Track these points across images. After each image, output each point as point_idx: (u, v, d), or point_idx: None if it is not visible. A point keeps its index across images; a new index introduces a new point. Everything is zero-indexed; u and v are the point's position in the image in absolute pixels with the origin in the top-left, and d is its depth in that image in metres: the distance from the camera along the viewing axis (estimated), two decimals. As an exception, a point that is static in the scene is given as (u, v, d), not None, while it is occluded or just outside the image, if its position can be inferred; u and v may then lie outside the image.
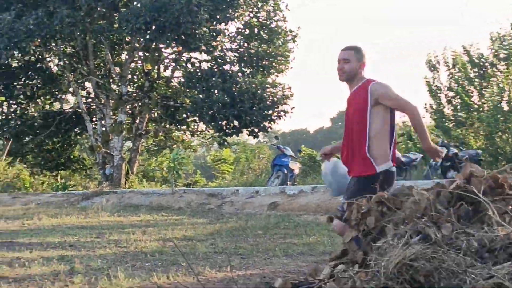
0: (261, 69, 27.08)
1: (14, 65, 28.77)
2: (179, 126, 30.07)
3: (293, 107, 27.36)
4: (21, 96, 29.85)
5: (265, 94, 25.35)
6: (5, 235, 11.03)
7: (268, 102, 25.57)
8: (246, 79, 25.76)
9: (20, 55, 26.70)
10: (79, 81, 28.84)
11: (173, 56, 28.38)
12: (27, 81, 29.68)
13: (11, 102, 29.21)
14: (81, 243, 10.00)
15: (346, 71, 6.16)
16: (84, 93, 30.46)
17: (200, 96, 25.32)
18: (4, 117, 28.21)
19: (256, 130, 25.82)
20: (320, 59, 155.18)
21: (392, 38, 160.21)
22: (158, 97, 26.88)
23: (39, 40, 25.05)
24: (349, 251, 5.19)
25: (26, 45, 24.37)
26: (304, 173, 26.54)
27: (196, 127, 30.32)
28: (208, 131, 30.10)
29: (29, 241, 10.26)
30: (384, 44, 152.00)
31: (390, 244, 4.55)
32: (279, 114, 26.27)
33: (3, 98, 23.98)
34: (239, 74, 26.76)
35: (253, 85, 25.09)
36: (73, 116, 30.73)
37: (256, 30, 27.20)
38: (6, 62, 26.51)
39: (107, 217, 14.08)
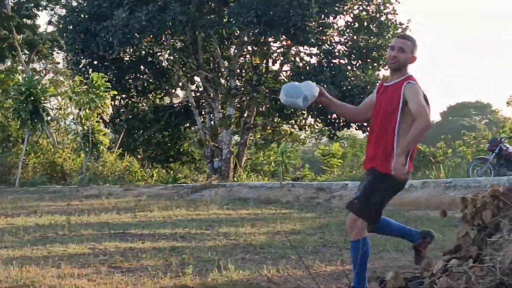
0: (371, 62, 26.80)
1: (126, 59, 29.38)
2: (287, 120, 30.09)
3: (403, 102, 27.04)
4: (133, 90, 30.46)
5: (374, 89, 25.16)
6: (117, 227, 11.24)
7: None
8: (356, 73, 25.57)
9: (132, 50, 27.27)
10: (189, 75, 29.20)
11: (282, 50, 28.39)
12: (138, 76, 30.28)
13: (123, 96, 29.82)
14: (192, 235, 10.09)
15: (399, 60, 5.84)
16: (193, 87, 30.87)
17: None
18: (116, 111, 28.82)
19: (365, 124, 25.58)
20: (429, 52, 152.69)
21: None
22: (267, 90, 26.94)
23: (151, 36, 25.52)
24: (462, 246, 5.05)
25: (139, 41, 24.88)
26: (414, 168, 26.11)
27: (304, 120, 30.28)
28: (317, 125, 30.01)
29: (141, 232, 10.42)
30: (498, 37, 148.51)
31: (506, 239, 4.41)
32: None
33: (115, 92, 24.46)
34: (348, 67, 26.58)
35: (363, 79, 24.89)
36: (183, 110, 31.16)
37: (365, 23, 26.96)
38: (118, 56, 27.12)
39: (216, 209, 14.16)
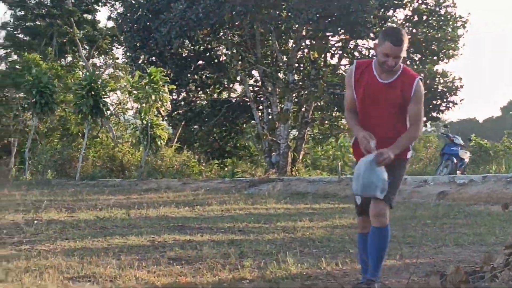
0: (430, 56, 26.52)
1: (184, 54, 29.57)
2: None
3: (463, 99, 26.82)
4: (191, 85, 30.64)
5: (434, 84, 24.87)
6: (176, 220, 11.32)
7: (437, 92, 25.10)
8: (415, 67, 25.33)
9: (190, 44, 27.42)
10: (247, 70, 29.24)
11: (340, 43, 28.25)
12: (196, 70, 30.43)
13: (181, 90, 30.01)
14: (250, 228, 10.11)
15: (394, 66, 5.64)
16: (251, 81, 30.91)
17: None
18: (174, 105, 29.04)
19: (424, 119, 25.34)
20: (490, 46, 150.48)
21: None
22: (325, 85, 26.82)
23: (208, 28, 25.63)
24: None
25: (195, 34, 25.02)
26: (474, 163, 25.84)
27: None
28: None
29: (199, 225, 10.48)
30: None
31: None
32: (448, 105, 25.74)
33: (174, 86, 24.65)
34: (408, 62, 26.35)
35: (422, 74, 24.65)
36: (240, 105, 31.25)
37: (424, 16, 26.67)
38: (177, 52, 27.32)
39: (274, 204, 14.16)
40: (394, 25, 26.32)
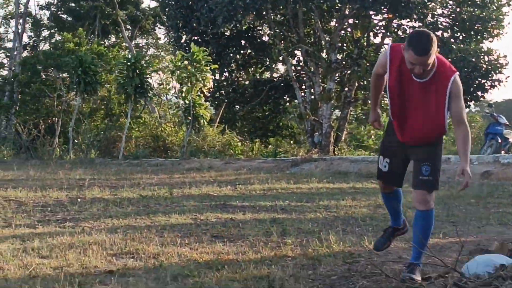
0: (474, 35, 26.16)
1: (226, 34, 29.54)
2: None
3: (508, 76, 26.41)
4: (233, 65, 30.62)
5: (479, 62, 24.56)
6: (218, 198, 11.35)
7: (482, 71, 24.77)
8: (460, 45, 25.03)
9: (232, 25, 27.40)
10: (289, 49, 29.14)
11: (383, 23, 28.00)
12: (239, 50, 30.41)
13: (223, 70, 30.00)
14: (292, 207, 10.10)
15: (427, 71, 5.32)
16: (293, 61, 30.81)
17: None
18: (216, 85, 29.08)
19: (468, 98, 25.05)
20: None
21: None
22: (368, 64, 26.61)
23: (253, 13, 25.60)
24: None
25: (243, 17, 25.01)
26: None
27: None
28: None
29: (242, 204, 10.49)
30: None
31: None
32: (493, 84, 25.39)
33: (216, 66, 24.63)
34: (451, 40, 26.04)
35: (468, 53, 24.38)
36: (283, 85, 31.17)
37: (468, -5, 26.32)
38: (219, 31, 27.30)
39: (316, 183, 14.12)
40: (438, 5, 26.06)
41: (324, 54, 28.68)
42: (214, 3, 24.62)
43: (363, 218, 8.83)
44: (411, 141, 5.66)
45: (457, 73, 5.43)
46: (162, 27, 40.35)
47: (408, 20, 26.48)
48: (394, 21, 27.32)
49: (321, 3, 26.68)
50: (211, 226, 8.18)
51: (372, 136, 28.41)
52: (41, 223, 8.44)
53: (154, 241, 7.01)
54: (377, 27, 28.35)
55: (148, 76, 25.10)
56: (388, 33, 28.24)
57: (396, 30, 27.97)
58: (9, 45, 44.41)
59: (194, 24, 26.49)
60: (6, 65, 42.70)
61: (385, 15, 26.91)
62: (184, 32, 28.01)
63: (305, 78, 29.20)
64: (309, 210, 9.76)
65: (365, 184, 14.08)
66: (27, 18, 41.13)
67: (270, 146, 30.69)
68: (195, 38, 27.95)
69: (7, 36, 45.34)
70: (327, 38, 27.99)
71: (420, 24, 26.49)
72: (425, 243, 5.61)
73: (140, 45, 44.93)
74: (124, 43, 40.25)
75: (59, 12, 42.71)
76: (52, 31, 42.95)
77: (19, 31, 38.72)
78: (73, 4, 41.05)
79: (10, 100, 33.39)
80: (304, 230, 7.87)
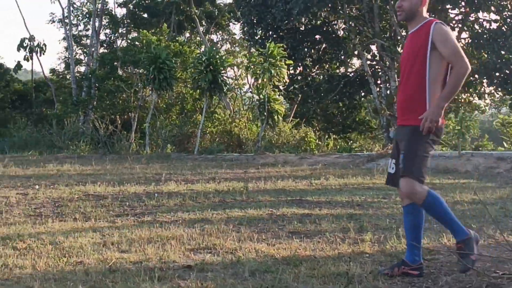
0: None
1: (301, 29, 29.51)
2: (465, 88, 29.27)
3: None
4: (308, 60, 30.57)
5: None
6: (294, 194, 11.33)
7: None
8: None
9: (307, 19, 27.36)
10: (364, 44, 28.95)
11: (460, 16, 27.57)
12: (313, 45, 30.34)
13: (297, 65, 29.96)
14: (368, 203, 10.02)
15: (405, 9, 5.42)
16: (369, 56, 30.61)
17: (489, 57, 24.42)
18: (290, 80, 29.06)
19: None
20: None
21: None
22: (444, 59, 26.23)
23: (329, 5, 25.49)
24: None
25: (318, 10, 24.94)
26: None
27: (483, 89, 29.36)
28: (497, 94, 29.04)
29: (318, 199, 10.44)
30: None
31: None
32: None
33: (291, 62, 24.62)
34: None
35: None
36: (358, 79, 31.00)
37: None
38: (294, 26, 27.29)
39: (392, 178, 13.98)
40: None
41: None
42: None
43: (441, 215, 8.69)
44: (399, 115, 5.54)
45: (440, 22, 5.35)
46: (236, 22, 40.53)
47: (485, 13, 26.04)
48: (472, 14, 26.86)
49: (398, -3, 26.44)
50: (287, 222, 8.16)
51: (450, 132, 28.03)
52: (120, 217, 8.55)
53: (231, 236, 7.02)
54: (454, 21, 27.92)
55: (222, 71, 25.19)
56: (465, 27, 27.78)
57: (473, 23, 27.50)
58: (87, 42, 45.23)
59: (269, 20, 26.54)
60: (84, 61, 43.47)
61: (462, 9, 26.48)
62: (258, 28, 28.08)
63: (380, 73, 28.98)
64: (386, 206, 9.67)
65: (442, 180, 13.89)
66: (104, 16, 41.77)
67: (345, 141, 30.56)
68: (270, 33, 28.01)
69: (85, 33, 46.14)
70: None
71: (498, 17, 26.04)
72: (417, 240, 5.45)
73: (215, 40, 45.21)
74: (198, 39, 40.55)
75: (135, 10, 43.28)
76: (129, 28, 43.55)
77: (97, 28, 39.34)
78: (149, 1, 41.53)
79: (87, 95, 33.98)
80: (381, 226, 7.79)
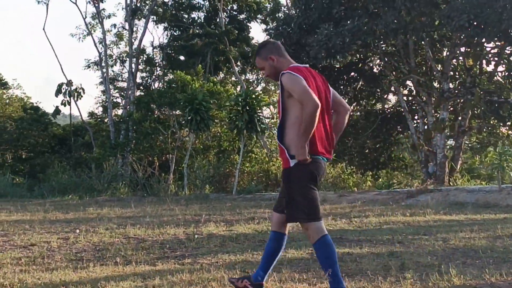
0: None
1: (336, 67, 29.60)
2: (504, 122, 29.06)
3: None
4: (344, 97, 30.62)
5: None
6: (334, 232, 11.27)
7: None
8: None
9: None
10: (400, 80, 28.94)
11: (496, 50, 27.48)
12: (349, 82, 30.41)
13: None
14: (409, 240, 9.94)
15: (270, 76, 6.07)
16: (405, 91, 30.58)
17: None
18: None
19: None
20: None
21: None
22: (481, 92, 26.14)
23: (354, 50, 25.61)
24: None
25: (343, 55, 25.05)
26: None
27: (522, 123, 29.16)
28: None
29: (358, 237, 10.39)
30: None
31: None
32: None
33: (328, 99, 24.67)
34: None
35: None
36: (394, 115, 30.95)
37: None
38: (329, 63, 27.40)
39: (432, 214, 13.90)
40: None
41: (436, 84, 28.38)
42: (314, 40, 24.76)
43: (483, 250, 8.60)
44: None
45: (288, 71, 5.75)
46: (271, 61, 40.74)
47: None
48: (508, 48, 26.75)
49: (432, 32, 26.42)
50: (328, 261, 8.12)
51: (489, 166, 27.84)
52: (161, 260, 8.58)
53: (272, 277, 7.01)
54: (490, 55, 27.82)
55: (258, 111, 25.29)
56: (501, 61, 27.66)
57: (509, 56, 27.37)
58: (123, 84, 45.76)
59: (304, 59, 26.66)
60: (121, 104, 43.96)
61: (497, 43, 26.39)
62: (294, 67, 28.24)
63: (417, 108, 28.90)
64: (427, 242, 9.59)
65: (483, 214, 13.77)
66: (140, 59, 42.29)
67: (382, 177, 30.43)
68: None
69: (121, 76, 46.72)
70: (439, 67, 27.67)
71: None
72: (332, 271, 5.68)
73: (250, 80, 45.47)
74: (233, 79, 40.83)
75: (171, 52, 43.75)
76: (165, 70, 44.01)
77: (133, 71, 39.80)
78: (186, 43, 41.96)
79: (125, 138, 34.28)
80: (423, 264, 7.72)
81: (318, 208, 5.77)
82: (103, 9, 45.70)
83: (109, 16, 47.11)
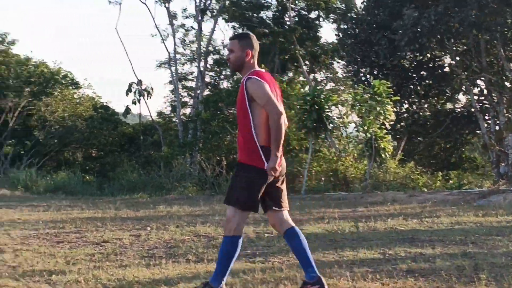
0: None
1: (406, 65, 29.36)
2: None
3: None
4: (414, 96, 30.34)
5: None
6: (405, 232, 11.18)
7: None
8: None
9: (413, 54, 27.18)
10: (471, 79, 28.54)
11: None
12: (419, 81, 30.11)
13: (403, 101, 29.75)
14: (482, 240, 9.80)
15: (231, 62, 6.22)
16: (476, 91, 30.17)
17: None
18: (396, 117, 28.86)
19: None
20: None
21: None
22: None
23: (438, 36, 25.32)
24: None
25: (427, 41, 24.78)
26: None
27: None
28: None
29: (430, 237, 10.28)
30: None
31: None
32: None
33: (398, 98, 24.43)
34: None
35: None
36: (465, 115, 30.56)
37: None
38: (398, 63, 27.20)
39: (505, 215, 13.64)
40: None
41: (508, 83, 27.89)
42: (399, 25, 24.54)
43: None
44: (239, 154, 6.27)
45: (254, 77, 5.99)
46: (340, 61, 40.55)
47: None
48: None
49: (505, 31, 25.98)
50: (400, 261, 8.06)
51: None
52: (232, 258, 8.62)
53: (344, 276, 6.99)
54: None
55: (327, 110, 25.16)
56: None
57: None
58: (192, 83, 46.10)
59: (373, 58, 26.51)
60: (189, 103, 44.29)
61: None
62: (362, 66, 28.06)
63: (489, 108, 28.47)
64: (500, 243, 9.44)
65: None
66: (209, 56, 42.55)
67: (452, 179, 30.04)
68: (374, 71, 27.96)
69: (191, 75, 47.08)
70: (510, 67, 27.21)
71: None
72: (223, 268, 6.10)
73: (318, 79, 45.35)
74: (301, 78, 40.76)
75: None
76: (233, 69, 44.17)
77: (202, 70, 40.07)
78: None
79: (193, 137, 34.52)
80: (497, 265, 7.61)
81: (256, 203, 6.13)
82: (174, 12, 45.86)
83: (182, 26, 47.05)
